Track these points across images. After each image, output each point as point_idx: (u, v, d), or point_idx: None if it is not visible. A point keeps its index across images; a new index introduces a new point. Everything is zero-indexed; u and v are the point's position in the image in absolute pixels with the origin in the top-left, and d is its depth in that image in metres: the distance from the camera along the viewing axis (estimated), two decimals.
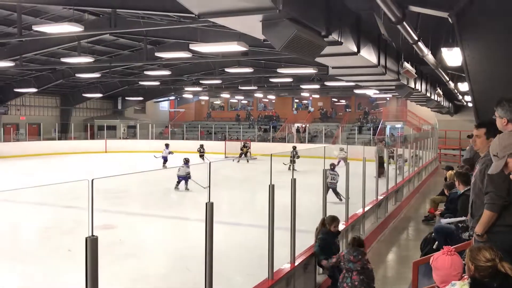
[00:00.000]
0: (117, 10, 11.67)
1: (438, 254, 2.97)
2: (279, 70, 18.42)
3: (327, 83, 22.26)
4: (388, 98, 34.11)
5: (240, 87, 28.38)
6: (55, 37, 15.28)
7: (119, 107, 35.88)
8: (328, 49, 4.87)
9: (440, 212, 7.67)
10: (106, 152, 29.67)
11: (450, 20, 4.54)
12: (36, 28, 11.35)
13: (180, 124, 38.50)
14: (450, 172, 9.61)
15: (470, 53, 4.68)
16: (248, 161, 24.81)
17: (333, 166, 12.37)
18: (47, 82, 25.59)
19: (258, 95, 36.88)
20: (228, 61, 19.83)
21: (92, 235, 2.72)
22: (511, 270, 2.50)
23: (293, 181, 5.26)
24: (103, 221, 8.86)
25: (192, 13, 3.89)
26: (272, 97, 39.86)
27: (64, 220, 10.37)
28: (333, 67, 7.54)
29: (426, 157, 18.16)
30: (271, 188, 4.75)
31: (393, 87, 10.66)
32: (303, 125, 34.36)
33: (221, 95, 37.50)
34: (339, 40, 4.91)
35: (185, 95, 38.04)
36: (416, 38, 5.73)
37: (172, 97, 40.07)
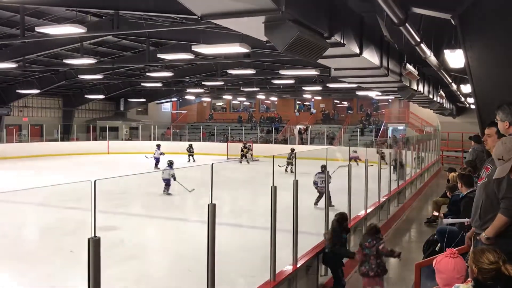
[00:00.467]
0: (120, 11, 11.69)
1: (441, 257, 2.94)
2: (281, 72, 18.42)
3: (329, 85, 22.22)
4: (390, 100, 34.08)
5: (242, 89, 28.35)
6: (58, 39, 15.35)
7: (122, 108, 35.94)
8: (330, 51, 4.87)
9: (443, 214, 7.64)
10: (108, 153, 29.69)
11: (453, 21, 4.54)
12: (39, 29, 11.41)
13: (182, 125, 38.55)
14: (452, 174, 9.57)
15: (473, 55, 4.66)
16: (248, 162, 24.80)
17: (323, 168, 12.14)
18: (50, 84, 25.68)
19: (260, 96, 36.86)
20: (230, 62, 19.82)
21: (95, 236, 2.73)
22: None
23: (295, 183, 5.25)
24: (105, 222, 8.86)
25: (195, 15, 3.90)
26: (274, 98, 39.84)
27: (66, 221, 10.36)
28: (335, 69, 7.55)
29: (428, 159, 18.11)
30: (273, 189, 4.75)
31: (396, 89, 10.65)
32: (305, 127, 34.34)
33: (223, 96, 37.52)
34: (342, 41, 4.91)
35: (187, 97, 38.10)
36: (418, 39, 5.73)
37: (174, 99, 40.14)
